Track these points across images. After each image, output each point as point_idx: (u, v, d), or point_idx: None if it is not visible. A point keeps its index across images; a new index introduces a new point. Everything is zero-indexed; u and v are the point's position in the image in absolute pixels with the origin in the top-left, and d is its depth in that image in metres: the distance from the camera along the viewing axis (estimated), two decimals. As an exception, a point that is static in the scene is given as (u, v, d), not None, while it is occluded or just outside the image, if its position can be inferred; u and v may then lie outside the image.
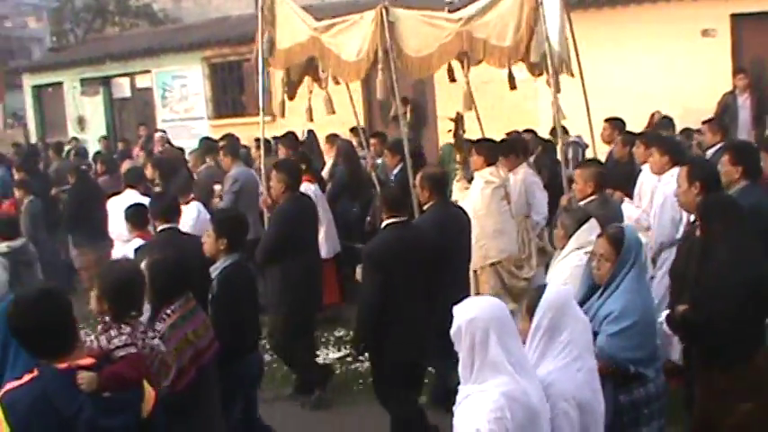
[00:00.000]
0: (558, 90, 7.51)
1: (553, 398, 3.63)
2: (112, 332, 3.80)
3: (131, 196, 8.55)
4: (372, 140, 10.79)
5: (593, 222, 5.61)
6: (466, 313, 3.48)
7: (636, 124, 10.84)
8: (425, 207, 6.79)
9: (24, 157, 13.18)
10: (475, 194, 7.47)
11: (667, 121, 10.64)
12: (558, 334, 3.74)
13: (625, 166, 8.32)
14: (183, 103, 20.08)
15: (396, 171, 9.30)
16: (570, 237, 5.47)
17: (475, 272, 7.48)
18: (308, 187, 8.61)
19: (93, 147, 18.23)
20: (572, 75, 8.29)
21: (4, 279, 7.11)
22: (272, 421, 6.03)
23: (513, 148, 8.34)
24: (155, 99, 20.52)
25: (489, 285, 7.37)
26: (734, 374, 4.61)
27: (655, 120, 12.58)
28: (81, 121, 21.72)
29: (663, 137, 7.86)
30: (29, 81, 23.11)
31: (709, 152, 8.42)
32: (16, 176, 11.71)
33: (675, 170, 6.28)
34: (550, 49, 7.26)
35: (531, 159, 9.36)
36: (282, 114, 9.18)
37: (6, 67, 25.25)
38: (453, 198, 7.88)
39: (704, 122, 9.18)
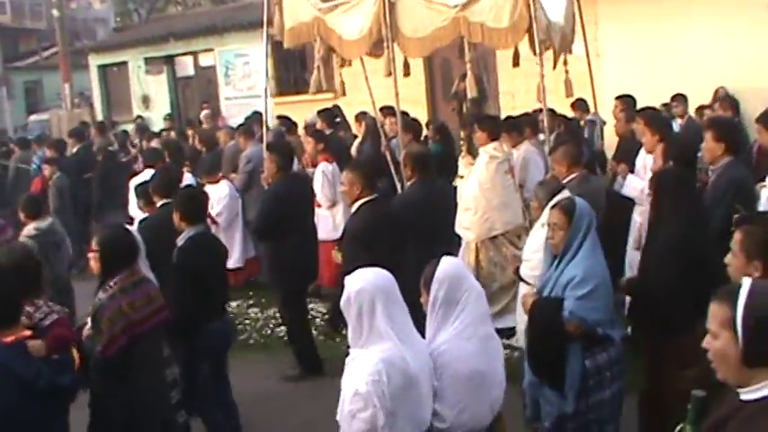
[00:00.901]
0: (555, 67, 7.92)
1: (443, 367, 3.91)
2: (29, 308, 4.31)
3: (149, 175, 8.86)
4: (391, 119, 11.26)
5: (565, 193, 5.98)
6: (354, 284, 3.75)
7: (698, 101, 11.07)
8: (408, 184, 7.23)
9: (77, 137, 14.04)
10: (480, 169, 7.86)
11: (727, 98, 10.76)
12: (454, 305, 3.99)
13: (628, 143, 8.58)
14: (245, 81, 20.76)
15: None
16: (544, 208, 5.86)
17: (476, 244, 7.88)
18: (325, 167, 9.25)
19: (159, 125, 18.90)
20: (570, 52, 8.68)
21: None
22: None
23: (515, 125, 8.79)
24: (218, 77, 21.24)
25: (489, 256, 7.79)
26: (678, 343, 4.79)
27: (719, 96, 12.69)
28: (146, 100, 22.66)
29: (656, 115, 8.12)
30: (94, 61, 24.15)
31: None
32: (47, 154, 12.44)
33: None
34: (549, 27, 7.63)
35: (551, 137, 9.80)
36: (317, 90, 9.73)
37: (72, 47, 26.51)
38: (459, 173, 8.34)
39: (717, 100, 9.41)
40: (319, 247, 8.24)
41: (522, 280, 6.21)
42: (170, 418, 5.40)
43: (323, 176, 9.23)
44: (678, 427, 2.96)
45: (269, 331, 8.90)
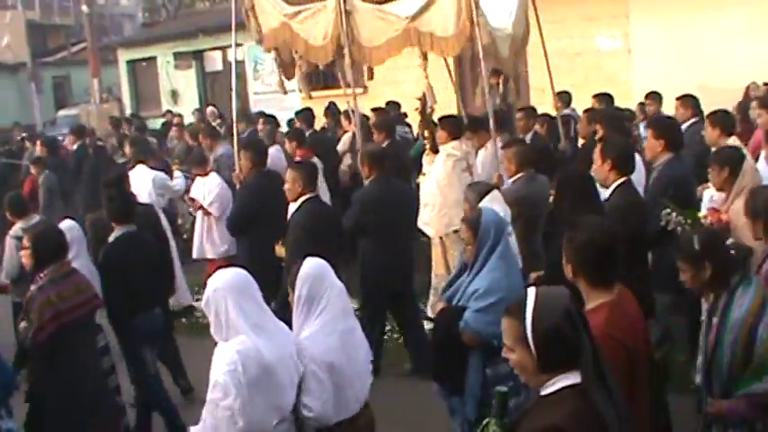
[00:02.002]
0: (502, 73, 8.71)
1: (305, 361, 4.40)
2: None
3: (141, 171, 10.05)
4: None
5: (495, 194, 6.68)
6: (212, 285, 4.29)
7: (730, 96, 11.38)
8: (366, 182, 7.96)
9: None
10: (438, 166, 8.48)
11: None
12: (317, 302, 4.50)
13: (589, 143, 9.04)
14: (274, 76, 21.27)
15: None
16: (474, 209, 6.15)
17: (441, 238, 8.53)
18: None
19: (187, 119, 19.61)
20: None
21: (17, 261, 7.59)
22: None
23: (482, 124, 9.40)
24: (247, 72, 22.26)
25: (454, 249, 8.26)
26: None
27: (750, 92, 13.24)
28: (174, 95, 23.90)
29: (614, 115, 8.81)
30: (123, 56, 25.50)
31: (683, 127, 8.88)
32: (38, 152, 13.18)
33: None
34: (492, 34, 8.37)
35: (528, 136, 10.52)
36: (284, 92, 10.70)
37: (100, 43, 27.65)
38: (424, 170, 9.00)
39: (678, 98, 10.08)
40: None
41: None
42: (107, 404, 6.07)
43: (294, 171, 10.12)
44: (485, 421, 3.40)
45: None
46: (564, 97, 12.48)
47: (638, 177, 7.27)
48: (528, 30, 9.75)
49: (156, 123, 20.97)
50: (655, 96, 11.44)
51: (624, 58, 16.30)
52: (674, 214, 5.74)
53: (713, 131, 8.01)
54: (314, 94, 19.80)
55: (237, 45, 21.90)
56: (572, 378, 3.02)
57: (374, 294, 7.96)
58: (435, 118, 9.44)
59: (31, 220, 8.23)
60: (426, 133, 9.32)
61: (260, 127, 12.99)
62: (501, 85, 16.14)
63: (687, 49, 14.58)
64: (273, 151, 11.06)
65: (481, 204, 6.34)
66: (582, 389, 3.00)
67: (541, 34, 9.82)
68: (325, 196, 10.32)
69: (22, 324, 5.67)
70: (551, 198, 6.24)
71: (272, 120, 13.31)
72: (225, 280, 4.34)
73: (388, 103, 13.36)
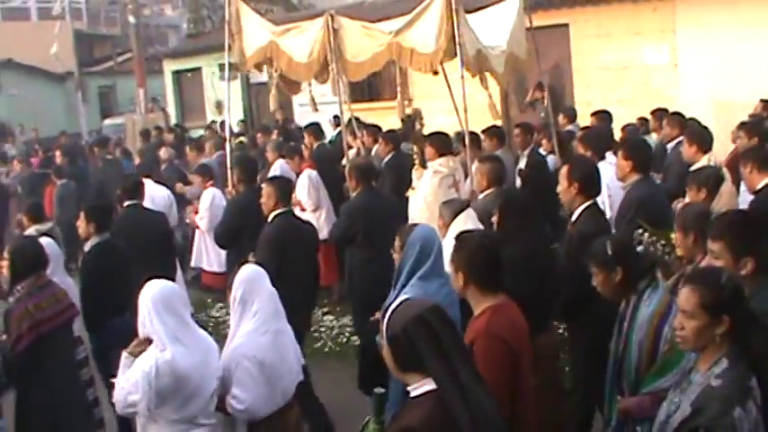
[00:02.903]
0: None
1: (238, 357, 4.97)
2: None
3: (152, 185, 10.67)
4: (365, 132, 12.78)
5: (469, 212, 7.04)
6: (143, 292, 4.88)
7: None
8: (353, 194, 8.57)
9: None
10: (425, 183, 8.96)
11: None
12: (250, 304, 5.09)
13: None
14: (319, 88, 22.40)
15: (387, 159, 11.14)
16: (448, 226, 6.78)
17: None
18: (309, 173, 10.92)
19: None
20: (521, 73, 10.01)
21: None
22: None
23: (476, 139, 10.00)
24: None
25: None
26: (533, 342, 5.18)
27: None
28: (219, 106, 24.44)
29: (592, 134, 9.26)
30: (169, 66, 26.46)
31: (669, 146, 9.68)
32: (58, 162, 14.08)
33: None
34: (482, 52, 8.96)
35: (526, 152, 11.06)
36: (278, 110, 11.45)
37: (146, 53, 28.55)
38: (413, 185, 9.50)
39: (665, 117, 10.41)
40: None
41: None
42: (87, 415, 6.59)
43: (308, 181, 10.79)
44: (365, 420, 3.95)
45: (344, 339, 10.02)
46: (570, 112, 12.87)
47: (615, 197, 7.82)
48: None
49: (198, 134, 21.72)
50: (660, 114, 11.72)
51: (671, 73, 16.51)
52: (646, 234, 5.88)
53: (690, 148, 8.43)
54: (355, 106, 20.68)
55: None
56: (433, 383, 3.48)
57: (365, 305, 8.24)
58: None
59: (45, 225, 8.85)
60: (416, 148, 9.85)
61: (272, 137, 13.60)
62: (545, 100, 16.70)
63: (734, 64, 14.75)
64: (282, 164, 11.83)
65: (455, 221, 6.82)
66: (437, 394, 3.47)
67: (537, 50, 10.33)
68: (331, 210, 11.07)
69: (3, 336, 6.02)
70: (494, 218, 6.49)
71: (296, 130, 14.07)
72: (151, 291, 4.93)
73: (403, 119, 13.94)
